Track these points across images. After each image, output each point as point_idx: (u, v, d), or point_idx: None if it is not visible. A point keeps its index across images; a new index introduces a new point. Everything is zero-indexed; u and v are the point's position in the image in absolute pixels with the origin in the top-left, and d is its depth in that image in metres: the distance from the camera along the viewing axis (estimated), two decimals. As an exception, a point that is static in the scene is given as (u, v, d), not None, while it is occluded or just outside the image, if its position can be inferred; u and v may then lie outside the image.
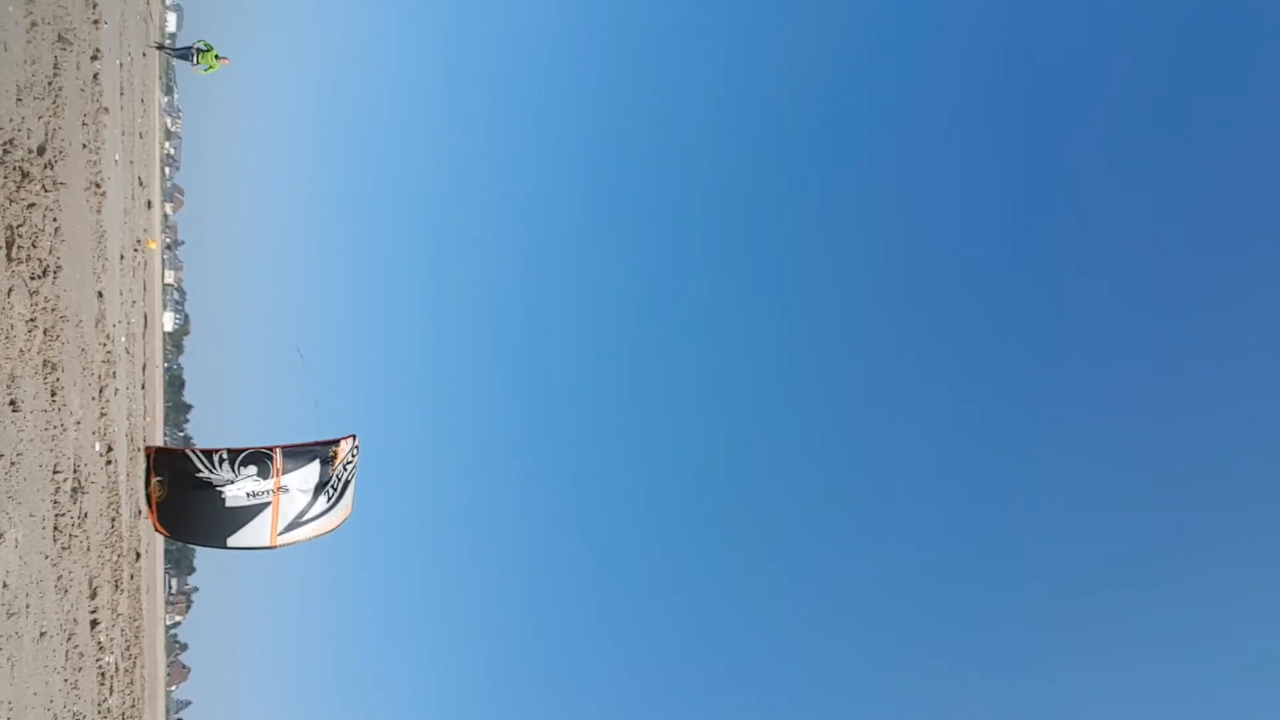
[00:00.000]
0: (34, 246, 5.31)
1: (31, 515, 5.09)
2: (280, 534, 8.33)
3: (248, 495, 7.99)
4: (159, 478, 7.87)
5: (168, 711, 52.53)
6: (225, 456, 7.86)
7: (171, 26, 70.72)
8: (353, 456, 8.66)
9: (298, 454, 8.22)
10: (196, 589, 75.18)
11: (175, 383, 65.08)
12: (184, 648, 74.23)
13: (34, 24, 5.83)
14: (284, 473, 8.08)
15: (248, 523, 8.09)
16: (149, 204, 23.64)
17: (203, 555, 75.15)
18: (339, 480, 8.49)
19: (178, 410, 69.81)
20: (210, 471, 7.89)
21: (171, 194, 70.85)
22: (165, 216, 54.98)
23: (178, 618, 69.87)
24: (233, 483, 7.88)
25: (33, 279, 5.27)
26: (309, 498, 8.33)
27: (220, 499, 7.92)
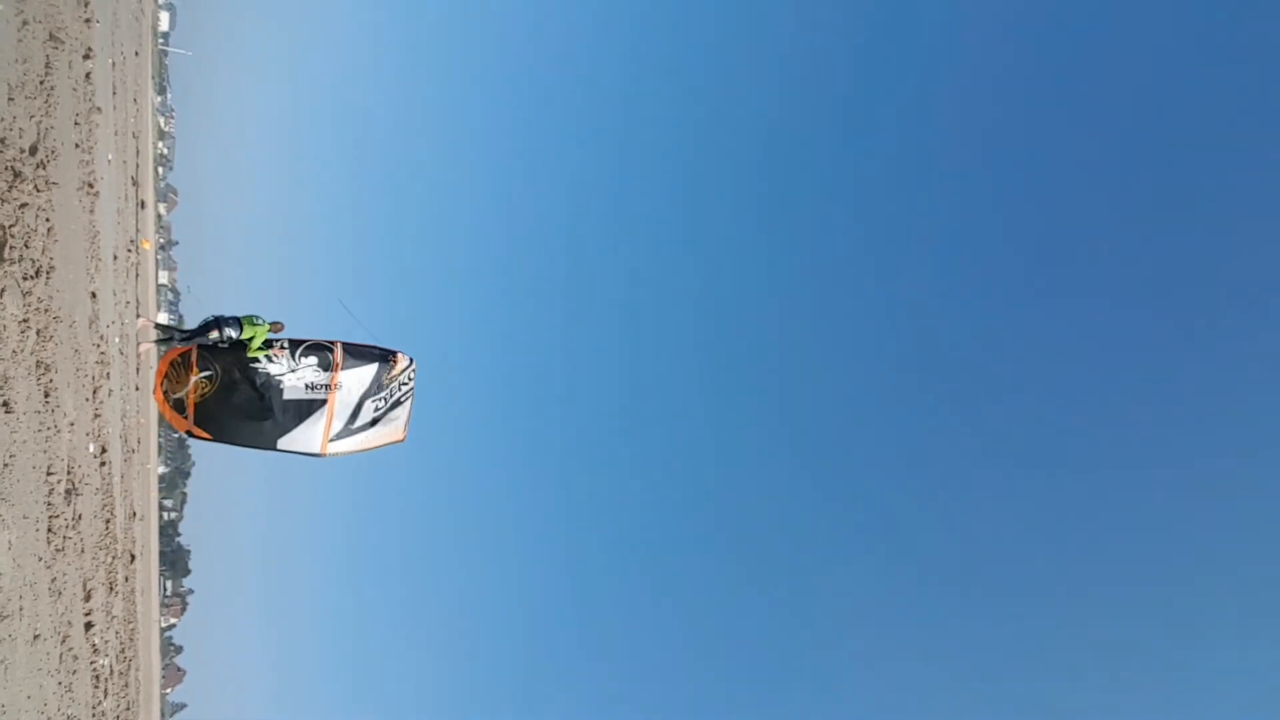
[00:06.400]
0: (26, 247, 5.27)
1: (25, 517, 5.06)
2: (331, 440, 8.21)
3: (307, 387, 7.90)
4: (206, 373, 7.69)
5: (163, 714, 52.26)
6: (286, 346, 7.84)
7: (165, 25, 70.37)
8: (409, 379, 8.60)
9: (358, 352, 8.17)
10: (192, 591, 74.84)
11: (169, 384, 64.65)
12: (179, 650, 73.85)
13: (25, 23, 5.78)
14: (342, 368, 8.02)
15: (303, 421, 7.94)
16: (142, 204, 23.51)
17: (198, 557, 74.74)
18: (390, 395, 8.41)
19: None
20: (270, 362, 7.84)
21: (165, 194, 70.48)
22: (159, 216, 54.72)
23: (173, 620, 69.57)
24: (293, 371, 7.83)
25: (25, 279, 5.23)
26: (359, 404, 8.25)
27: (279, 390, 7.84)
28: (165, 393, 7.73)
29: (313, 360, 7.98)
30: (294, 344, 7.92)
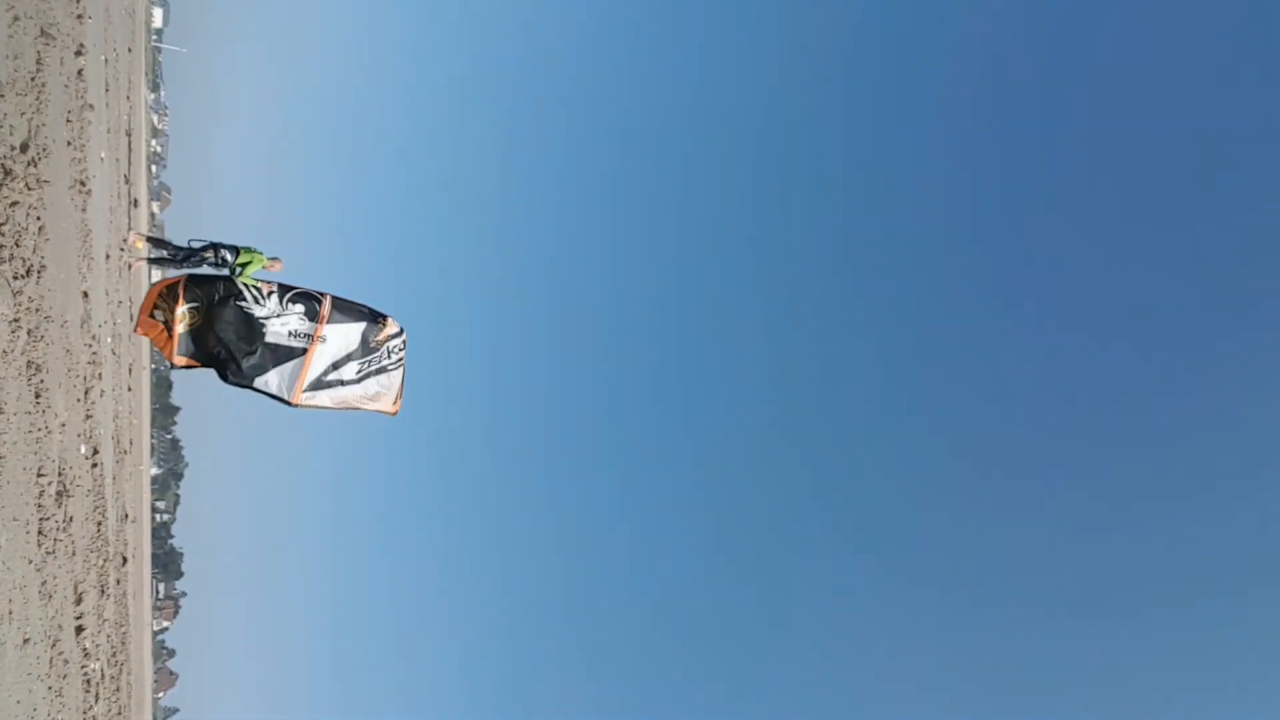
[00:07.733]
0: (17, 245, 5.21)
1: (15, 519, 4.99)
2: (304, 391, 8.17)
3: (290, 334, 7.80)
4: (193, 304, 7.60)
5: (155, 718, 51.92)
6: (275, 290, 7.77)
7: (158, 21, 69.99)
8: (400, 347, 8.56)
9: (347, 308, 8.12)
10: (184, 594, 74.41)
11: (163, 384, 64.28)
12: (171, 654, 73.35)
13: (16, 18, 5.72)
14: (328, 321, 7.93)
15: (281, 364, 7.87)
16: (135, 202, 23.35)
17: (191, 559, 74.34)
18: (376, 358, 8.35)
19: (165, 412, 69.03)
20: (256, 303, 7.78)
21: (159, 192, 70.11)
22: (152, 215, 54.37)
23: (165, 623, 69.07)
24: (279, 316, 7.72)
25: (16, 279, 5.17)
26: (339, 360, 8.13)
27: (261, 331, 7.72)
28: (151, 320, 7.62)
29: (300, 309, 7.88)
30: (284, 289, 7.86)
